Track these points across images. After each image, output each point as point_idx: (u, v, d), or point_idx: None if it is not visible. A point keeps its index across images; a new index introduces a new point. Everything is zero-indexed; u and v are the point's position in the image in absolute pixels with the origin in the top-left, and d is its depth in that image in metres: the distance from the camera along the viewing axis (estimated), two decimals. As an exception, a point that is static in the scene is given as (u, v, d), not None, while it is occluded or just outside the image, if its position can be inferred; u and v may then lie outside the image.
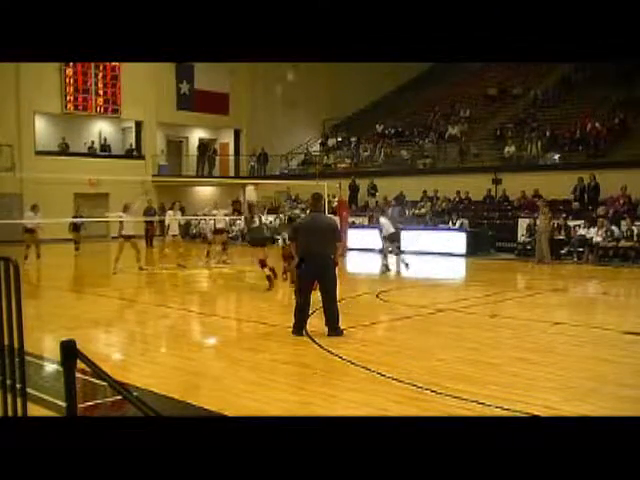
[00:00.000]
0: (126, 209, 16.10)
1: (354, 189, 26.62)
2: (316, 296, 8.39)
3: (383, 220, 14.17)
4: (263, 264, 12.39)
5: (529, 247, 19.87)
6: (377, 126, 31.74)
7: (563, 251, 18.92)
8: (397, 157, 28.48)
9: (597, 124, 22.95)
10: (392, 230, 14.04)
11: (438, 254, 20.17)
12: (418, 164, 27.03)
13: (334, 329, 8.07)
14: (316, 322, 8.48)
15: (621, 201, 19.73)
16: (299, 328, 8.19)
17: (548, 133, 24.19)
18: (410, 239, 21.64)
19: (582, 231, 18.76)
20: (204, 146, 33.63)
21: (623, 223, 18.32)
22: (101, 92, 29.58)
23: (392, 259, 15.27)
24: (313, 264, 8.10)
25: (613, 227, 18.12)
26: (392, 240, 14.16)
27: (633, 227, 18.08)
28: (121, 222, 16.07)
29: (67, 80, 28.48)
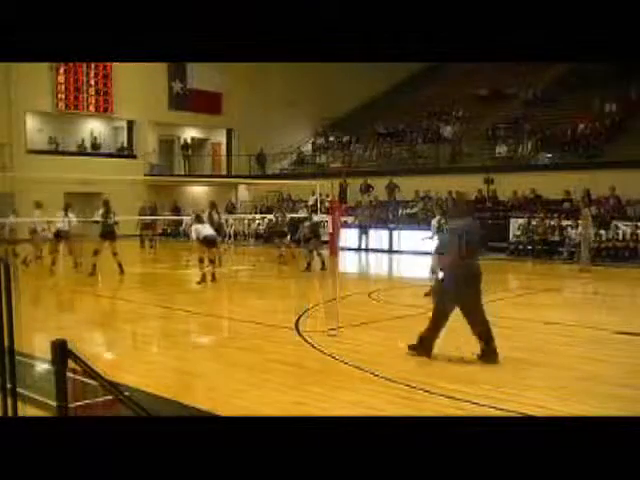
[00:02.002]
0: (68, 209, 16.74)
1: (343, 188, 26.55)
2: (315, 297, 8.36)
3: (197, 225, 13.48)
4: (202, 260, 13.07)
5: (521, 247, 19.93)
6: (371, 126, 31.76)
7: (562, 250, 19.00)
8: (390, 156, 28.52)
9: (590, 124, 23.03)
10: (205, 233, 13.28)
11: (430, 254, 20.13)
12: (411, 164, 27.07)
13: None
14: (310, 322, 8.47)
15: (611, 202, 19.80)
16: None
17: (541, 133, 24.27)
18: (403, 238, 21.69)
19: (574, 232, 18.82)
20: (186, 147, 33.57)
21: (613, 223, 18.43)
22: (93, 91, 29.45)
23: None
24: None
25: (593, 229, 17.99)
26: (207, 244, 13.30)
27: (621, 225, 18.21)
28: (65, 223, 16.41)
29: (59, 79, 28.36)
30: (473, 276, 6.99)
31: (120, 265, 14.84)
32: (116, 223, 15.20)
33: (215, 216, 13.82)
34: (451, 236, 7.25)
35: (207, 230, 13.05)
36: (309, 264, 15.45)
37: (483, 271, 7.01)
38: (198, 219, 13.77)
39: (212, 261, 13.30)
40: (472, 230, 7.17)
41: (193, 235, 13.14)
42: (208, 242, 13.01)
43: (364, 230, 22.33)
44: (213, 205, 14.65)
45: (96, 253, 14.71)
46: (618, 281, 15.30)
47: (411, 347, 7.10)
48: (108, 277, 14.70)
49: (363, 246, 22.19)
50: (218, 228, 15.14)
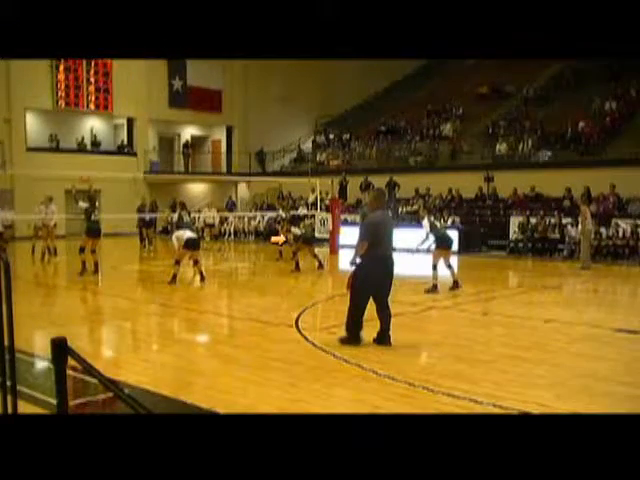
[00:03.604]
0: (49, 203, 17.91)
1: (343, 186, 26.49)
2: (315, 294, 8.36)
3: (177, 232, 13.25)
4: (178, 262, 13.02)
5: (521, 245, 19.94)
6: (370, 123, 31.74)
7: (562, 248, 19.00)
8: (390, 154, 28.52)
9: (589, 122, 23.04)
10: (187, 236, 13.05)
11: (430, 251, 20.16)
12: (410, 161, 27.07)
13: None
14: (310, 320, 8.47)
15: (611, 199, 19.80)
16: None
17: (540, 131, 24.28)
18: (402, 237, 21.66)
19: (573, 229, 18.83)
20: (186, 144, 33.56)
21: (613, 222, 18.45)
22: (93, 88, 29.42)
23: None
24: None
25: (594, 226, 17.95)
26: (191, 247, 12.88)
27: (621, 223, 18.24)
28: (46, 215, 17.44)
29: (59, 76, 28.33)
30: (387, 268, 7.54)
31: (96, 264, 14.49)
32: (96, 218, 14.82)
33: (185, 217, 13.77)
34: (370, 227, 7.64)
35: (188, 233, 12.95)
36: (297, 264, 15.31)
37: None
38: (178, 226, 13.68)
39: (197, 262, 13.23)
40: (388, 222, 7.77)
41: (175, 244, 13.03)
42: (192, 245, 12.88)
43: None
44: (183, 205, 14.57)
45: (82, 251, 14.40)
46: (618, 279, 15.30)
47: (341, 340, 7.51)
48: (108, 275, 14.70)
49: None
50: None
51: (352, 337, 7.51)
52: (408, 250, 12.92)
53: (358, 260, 7.60)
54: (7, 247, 18.56)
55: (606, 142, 22.41)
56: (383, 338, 7.52)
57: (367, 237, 7.50)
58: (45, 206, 17.84)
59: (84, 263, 14.34)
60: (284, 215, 19.13)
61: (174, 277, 12.82)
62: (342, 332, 7.72)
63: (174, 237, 13.20)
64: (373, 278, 7.51)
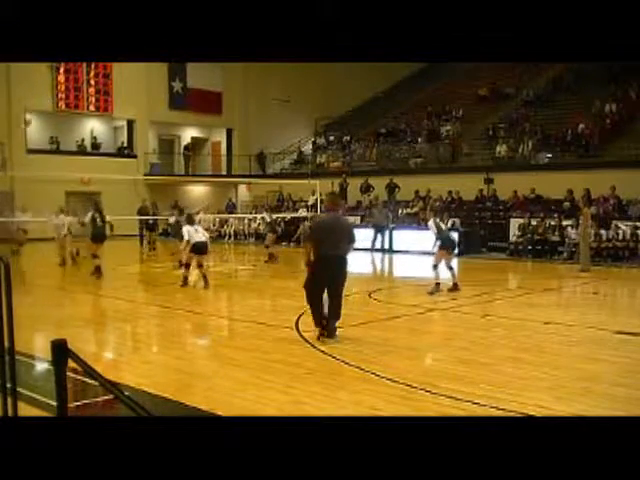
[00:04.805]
0: (59, 213, 18.01)
1: (344, 188, 26.48)
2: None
3: (189, 228, 13.14)
4: (183, 264, 13.20)
5: (521, 247, 19.93)
6: (370, 125, 31.75)
7: (562, 250, 19.00)
8: (390, 156, 28.53)
9: (589, 124, 23.05)
10: (196, 240, 12.93)
11: (429, 254, 20.16)
12: (410, 163, 27.08)
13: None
14: (310, 322, 8.46)
15: (611, 202, 19.81)
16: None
17: (540, 133, 24.28)
18: (401, 238, 21.65)
19: (573, 231, 18.83)
20: (186, 146, 33.59)
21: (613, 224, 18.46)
22: (93, 90, 29.46)
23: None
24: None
25: (596, 229, 18.01)
26: (198, 252, 12.81)
27: (621, 225, 18.25)
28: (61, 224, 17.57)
29: (59, 78, 28.36)
30: (329, 267, 7.90)
31: (97, 267, 14.54)
32: (103, 223, 14.83)
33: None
34: (314, 229, 8.28)
35: (199, 236, 12.77)
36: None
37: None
38: (189, 220, 13.52)
39: (201, 265, 13.00)
40: (335, 224, 8.13)
41: (185, 236, 12.87)
42: (199, 250, 12.75)
43: (379, 230, 21.92)
44: (181, 210, 14.57)
45: (95, 256, 14.57)
46: (617, 281, 15.30)
47: (320, 335, 7.83)
48: (108, 277, 14.69)
49: (378, 246, 21.73)
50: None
51: (324, 329, 7.81)
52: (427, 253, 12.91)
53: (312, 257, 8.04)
54: (20, 249, 18.89)
55: (606, 144, 22.42)
56: (326, 326, 7.84)
57: (309, 238, 8.08)
58: (55, 215, 17.87)
59: (98, 267, 14.51)
60: (268, 219, 19.36)
61: (185, 280, 12.78)
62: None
63: (185, 230, 12.99)
64: (318, 276, 7.91)
